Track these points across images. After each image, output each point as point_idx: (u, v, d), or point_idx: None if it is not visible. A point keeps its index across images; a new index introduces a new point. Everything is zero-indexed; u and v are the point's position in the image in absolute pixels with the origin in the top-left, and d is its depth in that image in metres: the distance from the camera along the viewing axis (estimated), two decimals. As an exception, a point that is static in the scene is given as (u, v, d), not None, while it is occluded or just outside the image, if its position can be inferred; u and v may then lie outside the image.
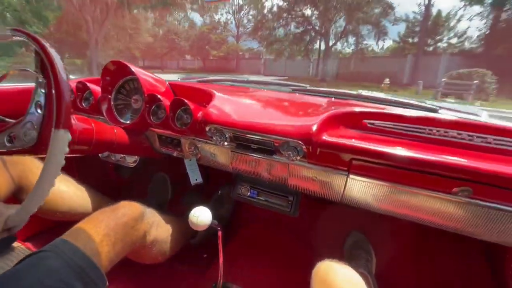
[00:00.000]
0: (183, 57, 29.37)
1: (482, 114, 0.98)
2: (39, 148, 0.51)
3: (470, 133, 0.65)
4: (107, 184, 1.39)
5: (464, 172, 0.55)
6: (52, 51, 0.50)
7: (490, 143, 0.63)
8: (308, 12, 15.83)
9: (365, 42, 15.99)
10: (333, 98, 1.02)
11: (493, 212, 0.58)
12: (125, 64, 0.86)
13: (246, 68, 24.02)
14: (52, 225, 1.10)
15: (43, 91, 0.53)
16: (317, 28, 15.93)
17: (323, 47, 16.63)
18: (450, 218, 0.64)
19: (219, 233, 0.77)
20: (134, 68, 0.86)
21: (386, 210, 0.72)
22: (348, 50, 17.34)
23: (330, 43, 16.15)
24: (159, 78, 0.97)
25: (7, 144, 0.52)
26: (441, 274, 1.06)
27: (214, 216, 1.18)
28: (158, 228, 0.81)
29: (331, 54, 16.67)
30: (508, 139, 0.62)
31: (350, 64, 16.60)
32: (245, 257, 1.13)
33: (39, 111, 0.55)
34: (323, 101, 0.95)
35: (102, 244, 0.59)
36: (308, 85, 1.14)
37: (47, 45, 0.50)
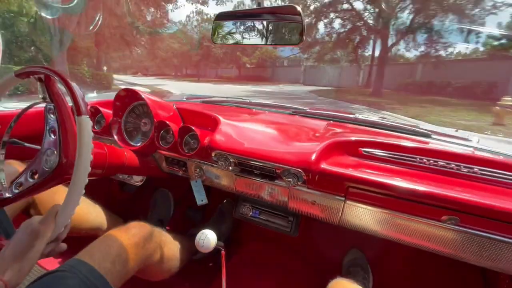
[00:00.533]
0: (219, 65, 28.70)
1: (473, 139, 1.04)
2: (63, 168, 0.54)
3: (458, 163, 0.70)
4: (113, 201, 1.43)
5: (451, 203, 0.60)
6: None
7: (476, 173, 0.68)
8: (358, 4, 11.63)
9: (443, 40, 10.65)
10: (331, 121, 1.08)
11: (479, 239, 0.62)
12: (135, 91, 0.92)
13: (284, 76, 22.55)
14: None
15: (53, 116, 0.58)
16: (370, 23, 11.89)
17: (377, 49, 12.36)
18: (441, 243, 0.68)
19: (223, 253, 0.81)
20: (144, 95, 0.92)
21: (381, 234, 0.76)
22: (414, 53, 12.21)
23: (389, 43, 11.72)
24: (167, 103, 1.03)
25: (30, 180, 0.54)
26: None
27: (215, 233, 1.22)
28: (165, 247, 0.85)
29: (389, 58, 12.35)
30: (493, 170, 0.67)
31: (416, 72, 12.84)
32: (246, 275, 1.16)
33: (53, 136, 0.59)
34: (322, 124, 1.00)
35: (114, 263, 0.62)
36: (307, 108, 1.20)
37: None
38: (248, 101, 1.32)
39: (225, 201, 1.29)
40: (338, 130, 0.97)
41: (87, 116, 0.53)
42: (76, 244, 1.02)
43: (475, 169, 0.68)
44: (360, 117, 1.12)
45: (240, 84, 19.17)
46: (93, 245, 0.65)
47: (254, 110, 1.23)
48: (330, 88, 14.96)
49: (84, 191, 0.53)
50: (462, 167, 0.70)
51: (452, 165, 0.70)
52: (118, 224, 1.05)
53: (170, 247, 0.89)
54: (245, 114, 1.14)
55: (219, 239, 1.24)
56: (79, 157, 0.52)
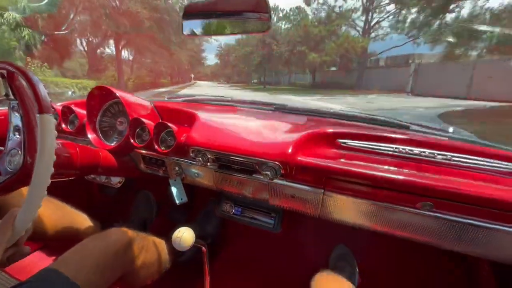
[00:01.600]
0: (288, 68, 23.93)
1: (449, 129, 1.06)
2: (28, 169, 0.51)
3: (433, 151, 0.71)
4: (92, 204, 1.38)
5: (425, 190, 0.60)
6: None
7: (450, 160, 0.69)
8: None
9: None
10: (312, 116, 1.08)
11: (452, 224, 0.63)
12: (109, 89, 0.89)
13: (376, 81, 15.95)
14: (33, 248, 1.08)
15: (17, 114, 0.55)
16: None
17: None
18: (418, 230, 0.68)
19: (204, 250, 0.79)
20: (118, 92, 0.89)
21: (361, 224, 0.76)
22: None
23: None
24: (144, 100, 1.00)
25: None
26: (422, 284, 1.10)
27: (201, 233, 1.20)
28: (147, 252, 0.81)
29: None
30: (465, 156, 0.68)
31: None
32: (232, 273, 1.14)
33: (17, 135, 0.56)
34: (302, 119, 1.00)
35: (92, 273, 0.58)
36: (287, 104, 1.19)
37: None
38: (229, 98, 1.31)
39: (210, 200, 1.27)
40: (318, 124, 0.97)
41: (50, 114, 0.51)
42: (51, 252, 0.97)
43: (448, 156, 0.69)
44: (339, 111, 1.13)
45: (306, 95, 14.66)
46: (69, 253, 0.61)
47: (235, 107, 1.22)
48: (469, 97, 8.03)
49: (45, 193, 0.50)
50: (436, 154, 0.70)
51: (427, 152, 0.71)
52: (96, 229, 1.01)
53: (153, 251, 0.86)
54: (226, 112, 1.13)
55: (205, 238, 1.22)
56: (39, 157, 0.49)
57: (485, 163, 0.67)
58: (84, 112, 0.95)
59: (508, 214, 0.58)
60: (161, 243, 0.92)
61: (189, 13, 0.59)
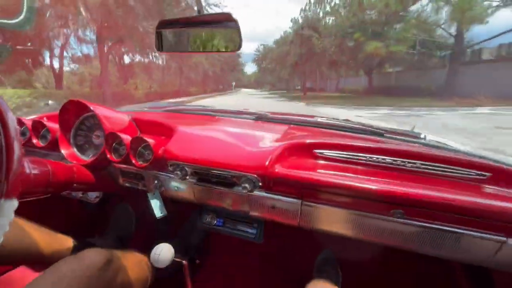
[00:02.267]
0: (334, 68, 18.78)
1: (422, 136, 1.11)
2: None
3: (403, 160, 0.74)
4: (70, 221, 1.32)
5: (395, 198, 0.63)
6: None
7: (419, 167, 0.73)
8: None
9: None
10: (292, 125, 1.10)
11: (423, 229, 0.66)
12: (82, 102, 0.87)
13: (483, 85, 10.17)
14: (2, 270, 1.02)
15: None
16: None
17: None
18: (392, 237, 0.71)
19: (185, 265, 0.78)
20: (93, 106, 0.87)
21: (340, 233, 0.77)
22: None
23: None
24: (121, 113, 0.98)
25: None
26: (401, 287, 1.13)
27: (185, 245, 1.18)
28: (126, 271, 0.78)
29: None
30: (433, 164, 0.72)
31: None
32: (217, 285, 1.13)
33: None
34: (282, 128, 1.02)
35: None
36: (270, 113, 1.21)
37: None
38: (210, 108, 1.31)
39: (192, 212, 1.26)
40: (297, 133, 0.99)
41: (12, 199, 0.47)
42: (21, 276, 0.92)
43: (418, 164, 0.73)
44: (319, 119, 1.15)
45: (360, 107, 11.22)
46: (40, 278, 0.58)
47: (216, 117, 1.22)
48: None
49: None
50: (406, 163, 0.74)
51: (399, 161, 0.74)
52: (71, 248, 0.96)
53: (132, 270, 0.83)
54: (206, 122, 1.13)
55: (189, 251, 1.20)
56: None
57: (453, 170, 0.71)
58: (57, 126, 0.92)
59: (471, 219, 0.61)
60: (141, 260, 0.89)
61: (162, 29, 0.59)
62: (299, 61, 19.28)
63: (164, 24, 0.60)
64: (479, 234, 0.62)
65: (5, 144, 0.48)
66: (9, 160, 0.47)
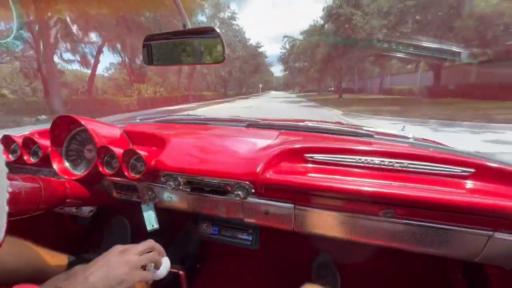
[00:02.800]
0: (369, 60, 14.25)
1: (410, 136, 1.14)
2: None
3: (391, 160, 0.76)
4: (64, 236, 1.31)
5: (384, 198, 0.64)
6: None
7: (407, 167, 0.74)
8: None
9: None
10: (282, 130, 1.11)
11: (414, 228, 0.67)
12: (73, 117, 0.87)
13: None
14: None
15: None
16: None
17: None
18: (384, 237, 0.72)
19: (182, 274, 0.78)
20: (83, 120, 0.87)
21: (333, 236, 0.78)
22: None
23: None
24: (112, 126, 0.99)
25: None
26: (398, 286, 1.14)
27: (181, 255, 1.17)
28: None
29: None
30: (421, 163, 0.74)
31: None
32: None
33: None
34: (273, 134, 1.03)
35: None
36: (261, 119, 1.23)
37: None
38: (202, 117, 1.32)
39: (187, 221, 1.25)
40: (288, 138, 1.01)
41: None
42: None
43: (405, 163, 0.75)
44: (309, 124, 1.17)
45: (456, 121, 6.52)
46: None
47: (208, 125, 1.23)
48: None
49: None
50: (394, 163, 0.76)
51: (386, 162, 0.76)
52: (63, 265, 0.95)
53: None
54: (198, 131, 1.14)
55: (185, 260, 1.19)
56: None
57: (438, 168, 0.73)
58: (48, 142, 0.91)
59: (458, 216, 0.63)
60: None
61: (149, 45, 0.61)
62: (334, 53, 14.50)
63: (151, 37, 0.61)
64: (466, 230, 0.64)
65: None
66: None
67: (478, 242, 0.64)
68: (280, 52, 36.80)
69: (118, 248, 0.53)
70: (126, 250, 0.52)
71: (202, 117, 1.33)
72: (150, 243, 0.57)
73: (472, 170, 0.69)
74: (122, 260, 0.50)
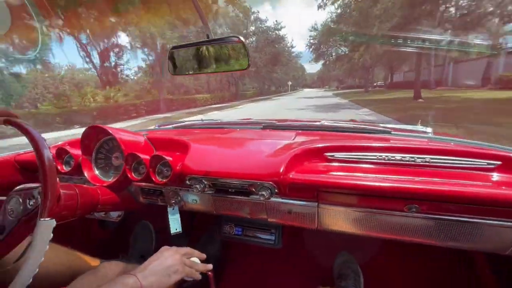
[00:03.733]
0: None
1: (427, 130, 1.13)
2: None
3: (412, 155, 0.77)
4: (92, 240, 1.37)
5: (408, 194, 0.65)
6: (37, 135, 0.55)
7: (428, 162, 0.75)
8: None
9: None
10: (299, 131, 1.13)
11: (440, 222, 0.67)
12: (101, 127, 0.92)
13: None
14: None
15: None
16: None
17: None
18: (410, 232, 0.73)
19: (210, 275, 0.80)
20: (111, 130, 0.92)
21: (357, 233, 0.79)
22: None
23: None
24: (137, 133, 1.03)
25: None
26: (424, 283, 1.13)
27: (205, 256, 1.20)
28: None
29: None
30: (442, 157, 0.74)
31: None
32: None
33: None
34: (291, 135, 1.05)
35: None
36: (276, 120, 1.25)
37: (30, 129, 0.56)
38: (219, 121, 1.36)
39: (211, 223, 1.29)
40: (306, 138, 1.03)
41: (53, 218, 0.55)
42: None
43: (427, 158, 0.75)
44: (326, 123, 1.19)
45: None
46: None
47: (225, 129, 1.27)
48: None
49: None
50: (416, 158, 0.76)
51: (407, 157, 0.77)
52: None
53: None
54: (216, 134, 1.17)
55: (209, 261, 1.22)
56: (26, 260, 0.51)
57: (462, 161, 0.73)
58: (78, 151, 0.97)
59: (485, 208, 0.63)
60: None
61: (175, 56, 0.64)
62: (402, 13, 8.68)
63: (177, 49, 0.65)
64: (495, 222, 0.64)
65: (42, 173, 0.53)
66: (45, 185, 0.53)
67: (508, 235, 0.64)
68: (309, 38, 27.43)
69: (166, 247, 0.65)
70: (173, 249, 0.64)
71: (218, 121, 1.37)
72: (189, 249, 0.70)
73: (498, 162, 0.69)
74: (173, 255, 0.62)
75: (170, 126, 1.43)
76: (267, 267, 1.26)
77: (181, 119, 1.53)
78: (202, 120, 1.55)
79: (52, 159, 0.55)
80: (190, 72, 0.64)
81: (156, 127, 1.48)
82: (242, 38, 0.55)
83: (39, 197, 0.62)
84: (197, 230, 1.31)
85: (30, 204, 0.64)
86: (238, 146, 0.97)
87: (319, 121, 1.23)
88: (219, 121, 1.38)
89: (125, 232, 1.38)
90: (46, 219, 0.52)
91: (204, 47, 0.59)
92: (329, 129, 1.12)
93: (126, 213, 1.18)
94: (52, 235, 0.53)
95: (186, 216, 1.03)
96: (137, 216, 1.35)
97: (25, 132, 0.55)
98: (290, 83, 45.99)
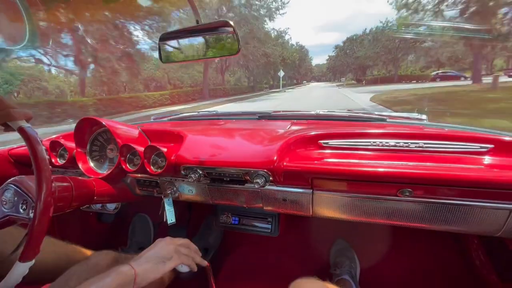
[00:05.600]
0: None
1: (422, 117, 1.13)
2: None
3: (406, 141, 0.77)
4: (89, 233, 1.38)
5: (401, 178, 0.65)
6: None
7: (422, 147, 0.75)
8: None
9: None
10: (294, 120, 1.13)
11: (433, 205, 0.68)
12: (94, 119, 0.91)
13: None
14: None
15: None
16: None
17: None
18: (404, 216, 0.73)
19: (207, 266, 0.81)
20: (105, 121, 0.92)
21: (352, 219, 0.80)
22: None
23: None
24: (131, 126, 1.03)
25: None
26: (419, 268, 1.15)
27: (204, 246, 1.22)
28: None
29: None
30: (436, 142, 0.74)
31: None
32: (237, 283, 1.16)
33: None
34: (286, 124, 1.05)
35: None
36: (272, 111, 1.24)
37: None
38: (214, 112, 1.35)
39: (208, 213, 1.30)
40: (301, 127, 1.02)
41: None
42: None
43: (421, 144, 0.75)
44: (321, 112, 1.18)
45: None
46: (58, 278, 0.65)
47: (221, 120, 1.26)
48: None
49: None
50: (410, 144, 0.76)
51: (401, 143, 0.77)
52: None
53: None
54: (212, 125, 1.17)
55: (209, 251, 1.23)
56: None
57: (455, 146, 0.73)
58: (73, 144, 0.96)
59: (478, 191, 0.63)
60: None
61: (165, 43, 0.63)
62: None
63: (166, 36, 0.64)
64: (487, 205, 0.64)
65: (36, 170, 0.52)
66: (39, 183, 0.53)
67: (500, 217, 0.64)
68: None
69: (162, 238, 0.66)
70: (168, 239, 0.65)
71: (214, 112, 1.36)
72: (186, 240, 0.70)
73: (491, 145, 0.69)
74: (167, 244, 0.63)
75: (166, 119, 1.42)
76: (265, 256, 1.28)
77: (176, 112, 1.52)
78: (197, 112, 1.55)
79: (45, 155, 0.55)
80: (180, 60, 0.63)
81: (152, 120, 1.47)
82: (231, 23, 0.54)
83: (31, 211, 0.60)
84: (195, 221, 1.32)
85: (23, 208, 0.63)
86: (232, 135, 0.97)
87: (314, 111, 1.22)
88: (215, 112, 1.37)
89: (123, 225, 1.39)
90: (26, 262, 0.51)
91: (193, 33, 0.58)
92: (324, 118, 1.12)
93: (123, 206, 1.19)
94: (28, 270, 0.52)
95: (184, 207, 1.04)
96: (134, 209, 1.36)
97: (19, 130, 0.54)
98: (282, 73, 27.95)
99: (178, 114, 1.43)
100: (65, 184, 0.75)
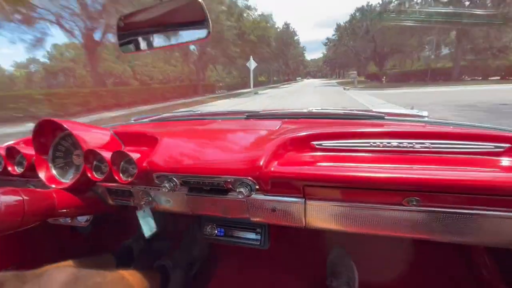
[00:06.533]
0: None
1: (423, 113, 1.05)
2: None
3: (410, 141, 0.67)
4: (63, 247, 1.25)
5: (408, 185, 0.56)
6: None
7: (428, 147, 0.65)
8: None
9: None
10: (285, 119, 1.03)
11: (444, 216, 0.59)
12: (55, 121, 0.80)
13: None
14: None
15: None
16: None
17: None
18: (409, 228, 0.64)
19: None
20: (67, 124, 0.80)
21: (352, 231, 0.70)
22: None
23: None
24: (101, 128, 0.91)
25: None
26: (423, 278, 1.06)
27: (188, 259, 1.11)
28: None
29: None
30: (443, 141, 0.65)
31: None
32: None
33: None
34: (276, 124, 0.95)
35: None
36: (261, 110, 1.14)
37: None
38: (199, 112, 1.24)
39: (192, 223, 1.19)
40: (292, 127, 0.92)
41: None
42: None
43: (426, 143, 0.66)
44: (314, 110, 1.08)
45: None
46: None
47: (206, 120, 1.15)
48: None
49: None
50: (414, 144, 0.67)
51: (405, 143, 0.67)
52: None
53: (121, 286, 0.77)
54: (195, 127, 1.06)
55: (193, 265, 1.12)
56: None
57: (463, 145, 0.64)
58: (32, 151, 0.85)
59: (495, 198, 0.54)
60: (141, 275, 0.84)
61: (125, 28, 0.52)
62: None
63: (126, 23, 0.53)
64: (504, 214, 0.55)
65: None
66: None
67: None
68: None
69: None
70: None
71: (199, 112, 1.25)
72: None
73: (507, 145, 0.60)
74: None
75: (147, 119, 1.31)
76: (257, 267, 1.17)
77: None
78: (183, 111, 1.44)
79: None
80: (143, 48, 0.52)
81: (132, 121, 1.35)
82: (201, 1, 0.43)
83: None
84: (180, 231, 1.21)
85: None
86: (215, 138, 0.86)
87: (306, 109, 1.12)
88: (199, 112, 1.26)
89: (100, 236, 1.27)
90: None
91: (156, 15, 0.48)
92: (318, 116, 1.02)
93: (98, 217, 1.07)
94: None
95: (168, 216, 0.93)
96: (113, 219, 1.24)
97: None
98: (253, 64, 17.60)
99: (160, 114, 1.32)
100: (14, 197, 0.64)
